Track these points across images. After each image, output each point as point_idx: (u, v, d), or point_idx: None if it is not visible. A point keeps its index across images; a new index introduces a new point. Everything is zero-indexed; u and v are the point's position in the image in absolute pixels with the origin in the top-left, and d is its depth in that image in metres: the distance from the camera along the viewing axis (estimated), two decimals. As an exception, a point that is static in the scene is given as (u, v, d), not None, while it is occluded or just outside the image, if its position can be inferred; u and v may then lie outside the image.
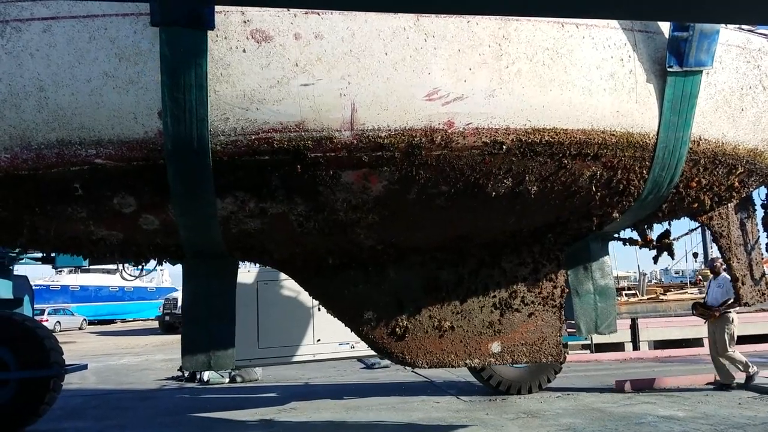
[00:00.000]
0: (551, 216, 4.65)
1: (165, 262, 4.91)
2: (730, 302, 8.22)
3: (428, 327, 5.07)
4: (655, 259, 5.67)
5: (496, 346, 5.10)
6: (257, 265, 8.40)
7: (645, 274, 25.69)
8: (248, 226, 4.31)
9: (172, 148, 3.74)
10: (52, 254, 9.20)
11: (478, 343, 5.09)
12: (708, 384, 8.53)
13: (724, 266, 8.95)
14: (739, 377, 8.43)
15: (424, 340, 5.07)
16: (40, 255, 9.79)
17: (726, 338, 8.28)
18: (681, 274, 39.03)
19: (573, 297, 5.22)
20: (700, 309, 8.70)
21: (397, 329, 5.04)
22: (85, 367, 8.86)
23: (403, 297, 5.06)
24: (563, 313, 5.23)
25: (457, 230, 4.76)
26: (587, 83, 3.97)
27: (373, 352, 9.12)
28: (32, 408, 7.18)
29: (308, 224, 4.38)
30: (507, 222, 4.63)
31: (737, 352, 8.43)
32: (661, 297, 18.72)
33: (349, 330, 7.95)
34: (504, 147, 3.93)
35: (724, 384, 8.40)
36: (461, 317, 5.09)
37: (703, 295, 9.72)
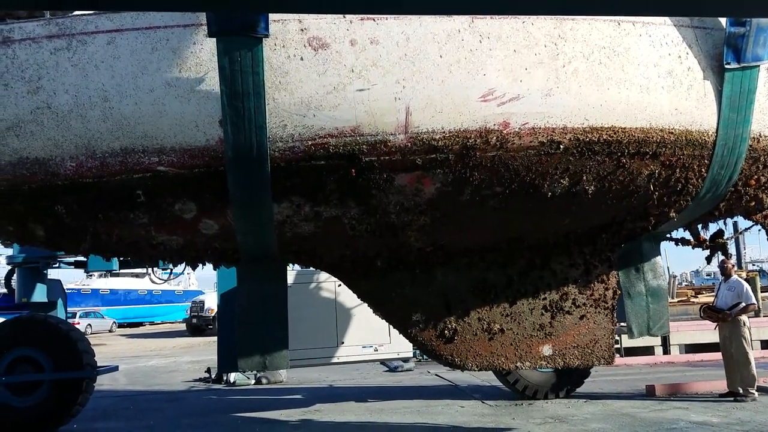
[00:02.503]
0: (607, 216, 4.60)
1: (222, 266, 4.99)
2: (741, 306, 7.83)
3: (477, 329, 5.05)
4: (708, 259, 5.57)
5: (547, 349, 5.05)
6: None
7: (675, 276, 25.07)
8: (302, 229, 4.37)
9: (232, 155, 3.81)
10: (84, 258, 9.40)
11: (529, 346, 5.05)
12: (721, 396, 7.98)
13: (736, 268, 8.70)
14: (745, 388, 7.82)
15: (474, 342, 5.06)
16: (72, 259, 10.00)
17: (743, 344, 7.79)
18: (712, 276, 38.06)
19: (625, 298, 5.14)
20: (708, 312, 8.24)
21: (446, 331, 5.04)
22: (116, 368, 9.00)
23: (452, 299, 5.05)
24: (615, 315, 5.17)
25: (510, 232, 4.74)
26: (645, 81, 3.93)
27: (396, 356, 9.21)
28: (66, 408, 7.31)
29: (360, 227, 4.42)
30: (562, 223, 4.61)
31: (754, 366, 7.83)
32: (692, 300, 18.24)
33: (371, 333, 7.95)
34: (561, 146, 3.92)
35: (733, 392, 8.01)
36: (511, 319, 5.06)
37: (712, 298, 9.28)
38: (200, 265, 4.94)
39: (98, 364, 7.90)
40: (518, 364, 5.11)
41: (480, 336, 5.07)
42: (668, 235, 5.42)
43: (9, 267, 9.96)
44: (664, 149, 4.05)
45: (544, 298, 5.12)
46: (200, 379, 12.09)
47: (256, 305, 4.72)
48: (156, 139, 3.84)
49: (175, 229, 4.31)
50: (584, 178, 4.08)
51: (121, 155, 3.87)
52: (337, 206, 4.22)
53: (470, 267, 5.07)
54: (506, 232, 4.75)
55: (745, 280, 9.73)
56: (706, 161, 4.20)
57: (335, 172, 3.97)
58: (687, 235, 5.52)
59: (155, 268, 7.98)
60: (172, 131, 3.82)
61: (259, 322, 4.69)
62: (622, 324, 5.47)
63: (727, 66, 4.07)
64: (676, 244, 5.49)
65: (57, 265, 10.01)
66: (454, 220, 4.45)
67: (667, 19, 3.94)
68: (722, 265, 8.31)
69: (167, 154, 3.85)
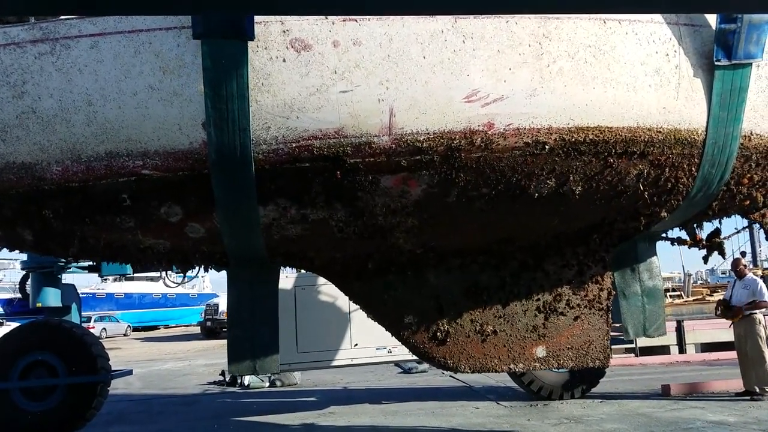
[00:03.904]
0: (597, 216, 4.55)
1: (210, 269, 5.00)
2: (753, 302, 7.77)
3: (470, 331, 5.01)
4: (705, 259, 5.48)
5: (540, 351, 5.00)
6: (294, 270, 8.55)
7: (690, 275, 24.86)
8: (290, 232, 4.36)
9: (216, 157, 3.81)
10: (97, 263, 9.48)
11: (522, 348, 5.01)
12: (737, 395, 7.93)
13: (750, 266, 8.56)
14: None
15: (466, 344, 5.02)
16: (86, 264, 10.10)
17: (759, 343, 7.75)
18: (728, 274, 37.62)
19: (620, 299, 5.08)
20: (723, 310, 8.17)
21: (438, 333, 5.00)
22: (130, 372, 9.05)
23: (444, 301, 5.02)
24: (610, 315, 5.10)
25: (499, 233, 4.70)
26: (632, 80, 3.87)
27: (410, 357, 9.18)
28: (80, 413, 7.36)
29: (348, 229, 4.40)
30: (550, 224, 4.56)
31: None
32: (708, 298, 18.03)
33: (385, 334, 7.96)
34: (547, 147, 3.87)
35: (749, 391, 7.87)
36: (504, 321, 5.01)
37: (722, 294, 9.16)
38: (190, 268, 4.95)
39: (113, 368, 7.94)
40: (511, 366, 5.07)
41: (473, 338, 5.03)
42: (664, 235, 5.34)
43: (23, 272, 10.09)
44: (652, 148, 3.99)
45: (538, 300, 5.07)
46: (215, 383, 12.14)
47: (246, 309, 4.72)
48: (140, 142, 3.85)
49: (162, 233, 4.32)
50: (571, 178, 4.04)
51: (106, 159, 3.88)
52: (323, 208, 4.20)
53: (462, 268, 5.04)
54: (495, 233, 4.70)
55: (761, 278, 9.60)
56: (696, 160, 4.13)
57: (320, 175, 3.95)
58: (684, 234, 5.44)
59: (169, 272, 8.03)
60: (155, 134, 3.83)
61: (249, 326, 4.69)
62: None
63: (717, 63, 3.99)
64: (672, 244, 5.42)
65: (71, 269, 10.10)
66: (442, 221, 4.42)
67: (654, 16, 3.88)
68: (735, 266, 8.22)
69: (151, 157, 3.86)
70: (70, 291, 9.87)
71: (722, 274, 41.62)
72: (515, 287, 5.02)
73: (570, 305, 5.04)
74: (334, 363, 8.55)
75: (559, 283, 5.03)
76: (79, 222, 4.20)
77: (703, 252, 5.48)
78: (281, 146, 3.84)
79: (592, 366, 5.14)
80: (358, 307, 8.41)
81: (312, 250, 4.71)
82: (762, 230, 4.93)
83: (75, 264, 9.76)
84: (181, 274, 8.36)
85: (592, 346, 5.05)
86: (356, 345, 8.44)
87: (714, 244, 5.30)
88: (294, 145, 3.84)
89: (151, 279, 33.14)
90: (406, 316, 4.97)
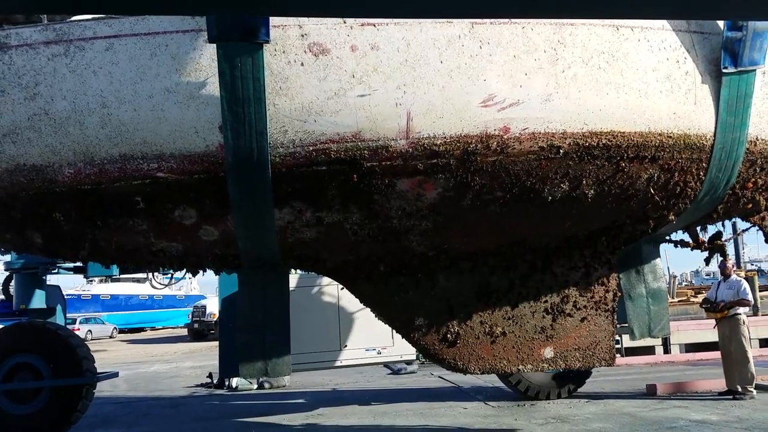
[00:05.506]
0: (607, 219, 4.62)
1: (222, 271, 4.97)
2: (735, 300, 7.99)
3: (479, 333, 5.06)
4: (707, 261, 5.61)
5: (548, 352, 5.06)
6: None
7: (675, 276, 25.27)
8: (304, 235, 4.36)
9: (232, 160, 3.80)
10: (82, 264, 9.32)
11: (531, 349, 5.06)
12: (720, 394, 8.08)
13: (735, 268, 8.85)
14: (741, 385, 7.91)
15: (476, 345, 5.06)
16: (72, 265, 9.94)
17: (742, 343, 7.93)
18: (712, 276, 38.34)
19: (626, 300, 5.17)
20: (706, 305, 8.44)
21: (448, 335, 5.04)
22: (116, 374, 8.87)
23: (454, 303, 5.05)
24: (616, 316, 5.19)
25: (512, 236, 4.75)
26: (643, 86, 3.95)
27: (399, 358, 9.21)
28: (65, 415, 7.22)
29: (362, 232, 4.41)
30: (563, 226, 4.62)
31: (752, 364, 7.93)
32: (692, 299, 18.34)
33: (374, 336, 7.95)
34: (561, 151, 3.93)
35: (731, 390, 8.05)
36: (513, 323, 5.07)
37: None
38: (201, 271, 4.92)
39: (98, 370, 7.82)
40: (520, 366, 5.12)
41: (482, 339, 5.08)
42: (667, 237, 5.45)
43: (7, 273, 9.89)
44: (662, 153, 4.08)
45: (546, 301, 5.13)
46: (202, 385, 12.02)
47: (258, 311, 4.70)
48: (155, 145, 3.82)
49: (175, 236, 4.29)
50: (584, 182, 4.10)
51: (120, 162, 3.85)
52: (338, 212, 4.21)
53: (472, 271, 5.08)
54: (508, 236, 4.75)
55: (744, 279, 9.84)
56: (704, 164, 4.23)
57: (337, 178, 3.96)
58: (686, 237, 5.56)
59: (156, 273, 7.92)
60: (171, 137, 3.81)
61: (260, 328, 4.68)
62: (623, 325, 5.50)
63: (724, 70, 4.09)
64: (676, 246, 5.53)
65: (56, 270, 9.93)
66: (456, 224, 4.45)
67: (665, 23, 3.97)
68: (722, 266, 8.41)
69: (166, 160, 3.84)
70: (54, 292, 9.70)
71: (706, 276, 42.31)
72: (524, 289, 5.08)
73: (577, 306, 5.11)
74: (324, 364, 8.57)
75: (566, 285, 5.10)
76: (91, 225, 4.16)
77: (694, 254, 5.61)
78: (298, 150, 3.85)
79: (598, 366, 5.22)
80: (348, 309, 8.52)
81: (325, 252, 4.71)
82: (762, 232, 5.05)
83: (60, 265, 9.59)
84: (168, 276, 8.28)
85: (599, 347, 5.13)
86: (346, 346, 8.45)
87: (716, 246, 5.42)
88: (311, 148, 3.85)
89: (138, 280, 32.65)
90: (417, 318, 5.00)
